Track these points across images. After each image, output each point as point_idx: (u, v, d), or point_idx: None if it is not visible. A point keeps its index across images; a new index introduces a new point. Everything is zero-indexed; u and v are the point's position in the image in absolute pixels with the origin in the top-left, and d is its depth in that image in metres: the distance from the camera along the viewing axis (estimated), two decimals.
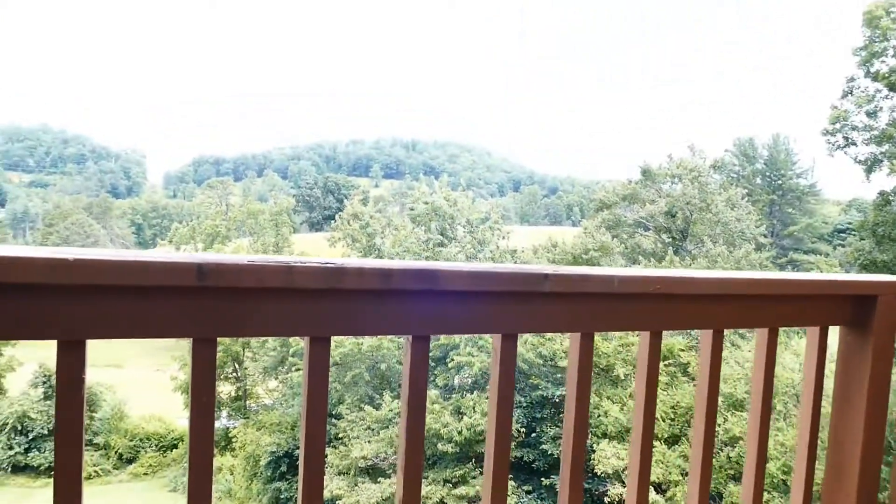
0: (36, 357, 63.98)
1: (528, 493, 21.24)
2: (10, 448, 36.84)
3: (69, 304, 1.20)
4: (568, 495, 1.67)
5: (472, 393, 20.94)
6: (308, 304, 1.36)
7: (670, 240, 31.80)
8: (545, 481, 20.76)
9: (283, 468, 27.31)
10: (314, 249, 36.89)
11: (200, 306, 1.27)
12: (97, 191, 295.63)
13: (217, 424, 25.10)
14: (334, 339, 19.12)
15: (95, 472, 36.94)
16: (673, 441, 18.85)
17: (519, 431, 20.42)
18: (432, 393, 20.62)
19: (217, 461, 33.41)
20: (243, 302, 1.30)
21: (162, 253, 1.40)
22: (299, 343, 25.11)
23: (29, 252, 1.13)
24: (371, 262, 1.41)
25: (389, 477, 20.72)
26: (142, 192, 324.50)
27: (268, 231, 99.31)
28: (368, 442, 20.98)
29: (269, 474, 27.54)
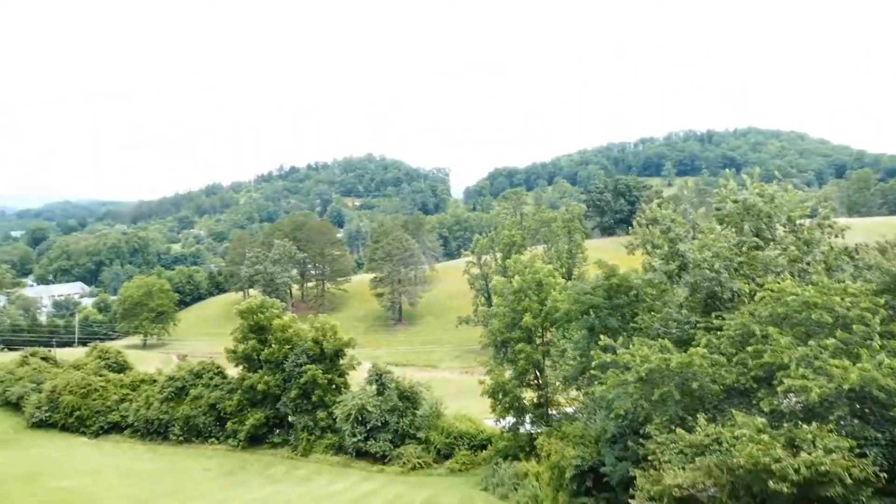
0: (370, 356, 74.31)
1: None
2: (354, 436, 42.95)
3: None
4: None
5: (808, 423, 17.73)
6: None
7: None
8: None
9: (589, 483, 26.73)
10: (610, 256, 35.71)
11: None
12: (411, 209, 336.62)
13: (521, 430, 25.10)
14: (639, 352, 17.32)
15: (419, 463, 41.02)
16: None
17: (877, 475, 16.65)
18: (758, 420, 17.99)
19: (523, 466, 34.32)
20: None
21: None
22: (601, 356, 24.33)
23: None
24: None
25: None
26: (447, 207, 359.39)
27: (561, 238, 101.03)
28: (682, 468, 19.19)
29: (574, 488, 27.23)
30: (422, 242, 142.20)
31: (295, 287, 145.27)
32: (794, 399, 19.99)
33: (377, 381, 44.92)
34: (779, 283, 22.23)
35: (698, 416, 19.89)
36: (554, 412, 38.34)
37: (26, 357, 67.27)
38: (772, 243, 26.52)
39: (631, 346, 23.32)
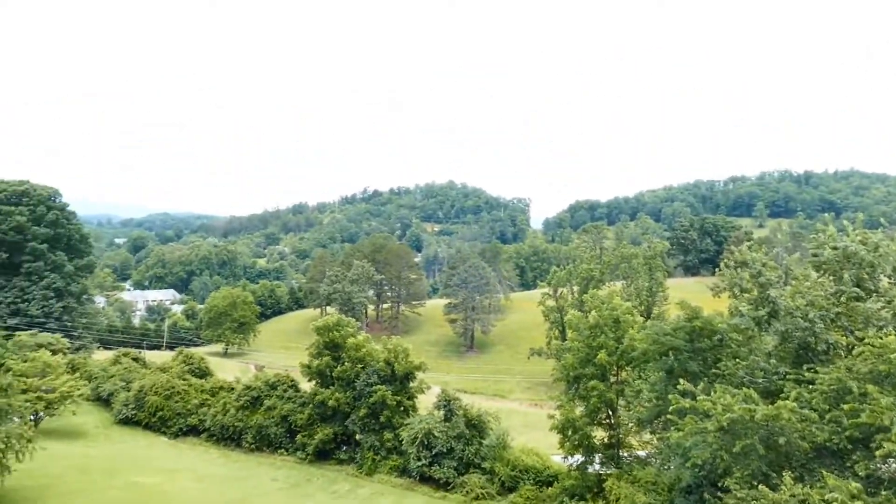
0: (439, 381, 74.26)
1: None
2: (419, 459, 42.86)
3: None
4: None
5: None
6: None
7: None
8: None
9: None
10: (693, 297, 34.36)
11: None
12: (489, 237, 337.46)
13: (589, 469, 24.21)
14: (721, 400, 16.52)
15: (482, 493, 40.37)
16: None
17: None
18: (852, 484, 16.63)
19: None
20: None
21: None
22: (679, 401, 23.27)
23: None
24: None
25: None
26: (525, 237, 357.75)
27: (641, 275, 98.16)
28: None
29: None
30: (498, 271, 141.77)
31: (370, 307, 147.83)
32: (894, 465, 18.41)
33: (445, 406, 44.78)
34: (881, 337, 20.67)
35: (784, 473, 18.65)
36: (625, 454, 36.95)
37: (119, 357, 71.51)
38: (874, 295, 24.76)
39: (712, 392, 22.23)
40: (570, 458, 37.73)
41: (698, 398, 22.03)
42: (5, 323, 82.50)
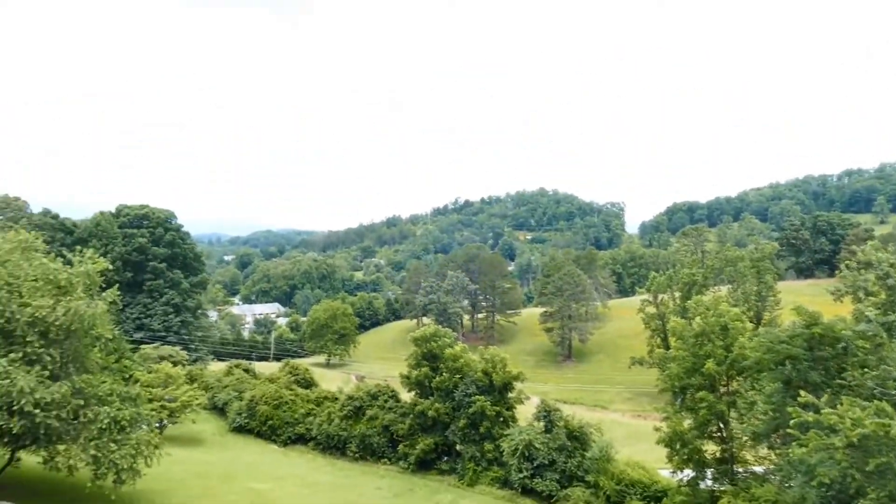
0: (537, 391, 73.40)
1: None
2: (520, 472, 42.45)
3: None
4: None
5: None
6: None
7: None
8: None
9: None
10: (808, 301, 32.06)
11: None
12: (583, 244, 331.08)
13: (701, 485, 23.08)
14: (850, 413, 15.32)
15: None
16: None
17: None
18: None
19: None
20: None
21: None
22: (800, 414, 21.75)
23: None
24: None
25: None
26: (620, 242, 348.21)
27: (748, 279, 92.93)
28: None
29: None
30: (594, 278, 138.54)
31: (466, 318, 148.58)
32: None
33: (545, 417, 44.19)
34: None
35: None
36: (740, 470, 34.92)
37: (231, 368, 75.68)
38: None
39: (838, 405, 20.63)
40: (679, 472, 36.14)
41: (822, 411, 20.52)
42: (131, 337, 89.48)
